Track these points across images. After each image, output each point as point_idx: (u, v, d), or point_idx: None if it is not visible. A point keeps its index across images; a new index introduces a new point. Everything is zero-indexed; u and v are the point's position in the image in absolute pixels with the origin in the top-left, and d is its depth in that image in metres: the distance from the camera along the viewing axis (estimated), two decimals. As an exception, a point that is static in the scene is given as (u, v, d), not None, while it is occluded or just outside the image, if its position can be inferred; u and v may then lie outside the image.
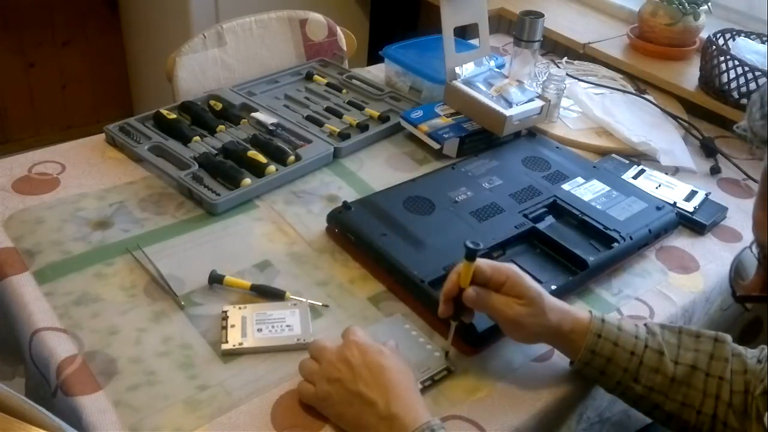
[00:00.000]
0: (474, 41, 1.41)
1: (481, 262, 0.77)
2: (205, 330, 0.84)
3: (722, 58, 1.37)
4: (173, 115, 1.21)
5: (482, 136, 1.24)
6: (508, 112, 1.20)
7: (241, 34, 1.44)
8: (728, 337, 0.78)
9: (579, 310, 0.80)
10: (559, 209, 1.07)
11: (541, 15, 1.35)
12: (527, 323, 0.76)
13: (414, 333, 0.85)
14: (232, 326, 0.83)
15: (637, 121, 1.36)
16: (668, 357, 0.76)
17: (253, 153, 1.12)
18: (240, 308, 0.85)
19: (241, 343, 0.81)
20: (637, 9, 1.65)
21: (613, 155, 1.26)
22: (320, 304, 0.89)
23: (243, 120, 1.24)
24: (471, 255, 0.75)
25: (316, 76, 1.42)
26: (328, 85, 1.40)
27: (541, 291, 0.78)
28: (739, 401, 0.74)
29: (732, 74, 1.36)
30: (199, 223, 1.02)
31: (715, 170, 1.28)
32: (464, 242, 0.74)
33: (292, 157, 1.13)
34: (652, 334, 0.78)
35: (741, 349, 0.77)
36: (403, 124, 1.26)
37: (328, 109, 1.31)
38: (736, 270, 0.66)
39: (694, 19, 1.54)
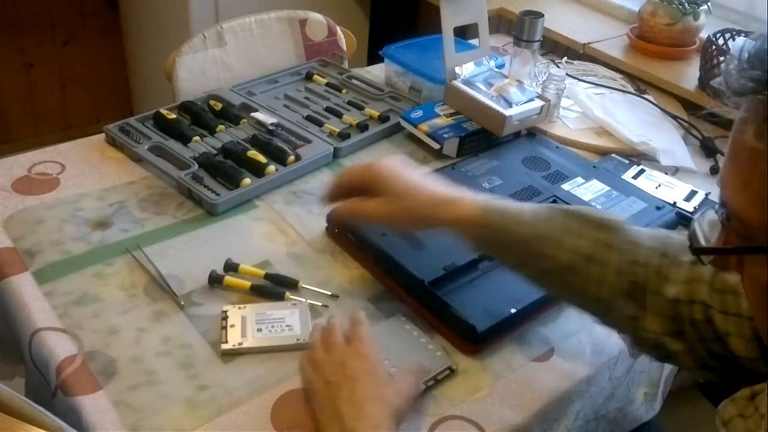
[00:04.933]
0: (474, 41, 1.41)
1: (347, 172, 0.84)
2: (205, 330, 0.84)
3: (722, 58, 1.37)
4: (173, 115, 1.21)
5: (482, 136, 1.24)
6: (508, 112, 1.20)
7: (241, 34, 1.44)
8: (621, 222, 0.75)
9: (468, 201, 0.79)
10: (559, 209, 1.07)
11: (541, 15, 1.35)
12: (400, 218, 0.81)
13: (415, 333, 0.85)
14: (232, 326, 0.83)
15: (637, 121, 1.36)
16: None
17: (253, 153, 1.12)
18: (240, 308, 0.85)
19: (240, 343, 0.81)
20: (637, 9, 1.65)
21: (613, 155, 1.26)
22: (322, 303, 0.89)
23: (243, 120, 1.24)
24: None
25: (316, 76, 1.42)
26: (328, 85, 1.40)
27: (414, 186, 0.81)
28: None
29: (732, 74, 1.36)
30: (199, 223, 1.02)
31: (715, 170, 1.28)
32: None
33: (292, 157, 1.13)
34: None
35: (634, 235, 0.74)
36: (403, 124, 1.26)
37: (328, 109, 1.31)
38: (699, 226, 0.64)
39: (694, 19, 1.54)
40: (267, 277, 0.91)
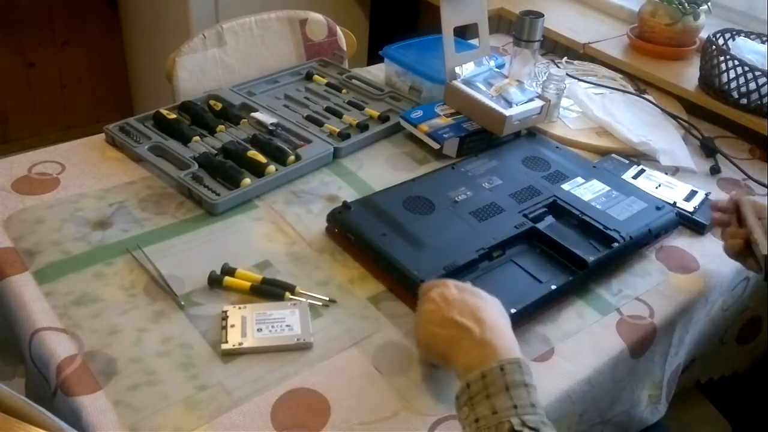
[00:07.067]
0: (474, 41, 1.41)
1: None
2: (205, 330, 0.84)
3: (722, 58, 1.37)
4: (173, 115, 1.21)
5: (482, 136, 1.24)
6: (508, 112, 1.20)
7: (241, 34, 1.44)
8: None
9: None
10: (559, 209, 1.07)
11: (541, 15, 1.35)
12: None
13: None
14: (232, 326, 0.83)
15: (636, 121, 1.36)
16: None
17: (253, 153, 1.12)
18: (240, 308, 0.85)
19: (240, 343, 0.81)
20: (637, 9, 1.65)
21: (613, 155, 1.26)
22: (321, 303, 0.89)
23: (243, 120, 1.24)
24: None
25: (316, 76, 1.42)
26: (328, 85, 1.40)
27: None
28: None
29: (732, 74, 1.36)
30: (199, 223, 1.02)
31: (714, 170, 1.28)
32: None
33: (292, 157, 1.13)
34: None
35: None
36: (403, 124, 1.26)
37: (328, 109, 1.31)
38: None
39: (694, 19, 1.54)
40: (264, 281, 0.90)
